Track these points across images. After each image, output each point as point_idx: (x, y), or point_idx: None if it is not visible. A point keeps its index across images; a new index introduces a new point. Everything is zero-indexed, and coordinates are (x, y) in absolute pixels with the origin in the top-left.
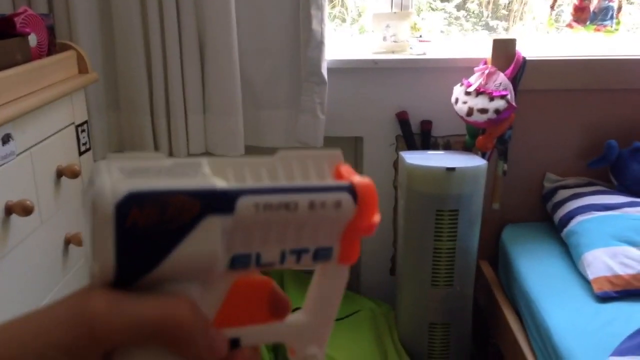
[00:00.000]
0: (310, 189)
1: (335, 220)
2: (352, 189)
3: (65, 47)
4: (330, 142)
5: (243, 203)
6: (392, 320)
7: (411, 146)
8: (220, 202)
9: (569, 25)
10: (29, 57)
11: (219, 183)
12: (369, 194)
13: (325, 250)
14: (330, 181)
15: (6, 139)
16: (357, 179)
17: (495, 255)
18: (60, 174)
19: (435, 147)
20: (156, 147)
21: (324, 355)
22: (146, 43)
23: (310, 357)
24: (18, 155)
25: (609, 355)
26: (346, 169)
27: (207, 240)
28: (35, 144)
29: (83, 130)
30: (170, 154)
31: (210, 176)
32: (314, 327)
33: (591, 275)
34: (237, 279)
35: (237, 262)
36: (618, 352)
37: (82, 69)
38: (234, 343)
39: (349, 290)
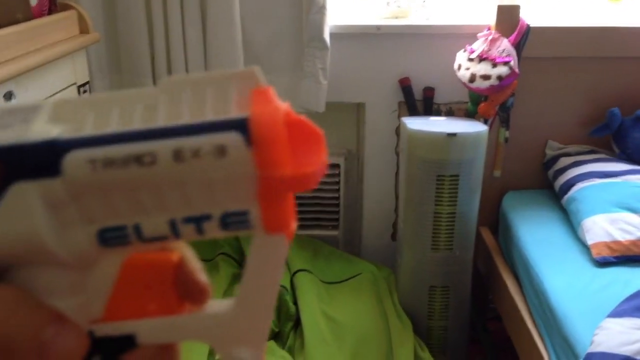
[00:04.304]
0: (176, 130)
1: (228, 174)
2: (244, 125)
3: (66, 7)
4: (332, 107)
5: (72, 160)
6: (392, 283)
7: (413, 113)
8: (34, 161)
9: None
10: (29, 15)
11: (45, 133)
12: (272, 127)
13: (238, 216)
14: (211, 116)
15: (8, 96)
16: (262, 108)
17: (495, 222)
18: None
19: (437, 113)
20: None
21: (262, 358)
22: (147, 4)
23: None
24: None
25: (605, 317)
26: (265, 95)
27: (17, 214)
28: None
29: (85, 91)
30: None
31: (41, 125)
32: (241, 321)
33: (590, 240)
34: (128, 257)
35: (110, 238)
36: (615, 313)
37: (83, 29)
38: (128, 341)
39: (351, 253)
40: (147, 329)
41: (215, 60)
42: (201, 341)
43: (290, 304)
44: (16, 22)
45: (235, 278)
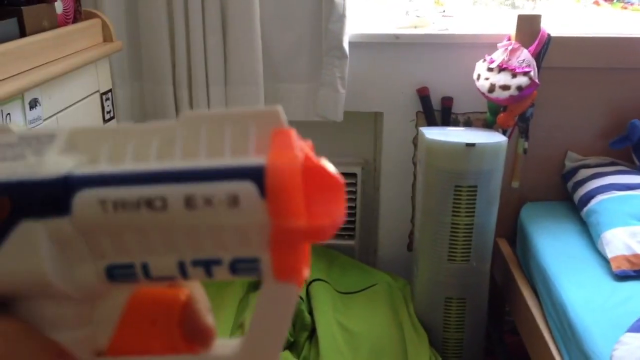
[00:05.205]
0: (189, 175)
1: (240, 223)
2: (259, 174)
3: (90, 15)
4: (350, 116)
5: (82, 200)
6: (408, 294)
7: (431, 122)
8: (43, 199)
9: (596, 2)
10: (55, 23)
11: (57, 167)
12: (288, 178)
13: (248, 262)
14: (229, 156)
15: (33, 103)
16: (279, 156)
17: (513, 233)
18: None
19: (455, 123)
20: None
21: None
22: (169, 13)
23: None
24: (45, 120)
25: (625, 332)
26: (285, 138)
27: (23, 253)
28: (61, 110)
29: (107, 99)
30: None
31: (54, 157)
32: None
33: (610, 253)
34: (136, 291)
35: (117, 274)
36: (634, 328)
37: (107, 37)
38: None
39: (366, 263)
40: None
41: (235, 68)
42: None
43: (306, 314)
44: (42, 29)
45: (251, 287)
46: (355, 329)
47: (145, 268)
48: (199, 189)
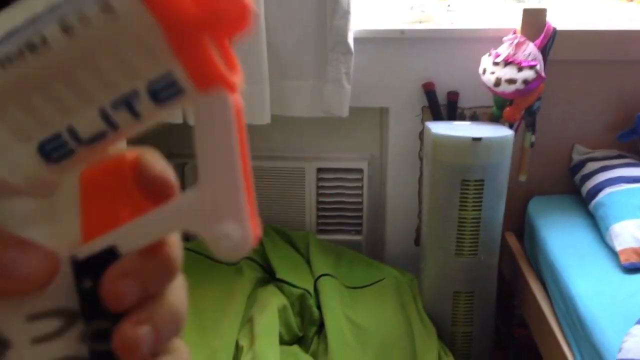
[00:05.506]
0: (56, 6)
1: (127, 32)
2: None
3: None
4: (356, 112)
5: None
6: (416, 288)
7: (437, 117)
8: None
9: None
10: None
11: None
12: None
13: (164, 80)
14: None
15: None
16: None
17: (521, 227)
18: None
19: (461, 118)
20: (183, 116)
21: (249, 229)
22: None
23: (223, 237)
24: None
25: (634, 324)
26: None
27: None
28: None
29: None
30: None
31: None
32: (212, 196)
33: (618, 246)
34: (84, 172)
35: (51, 150)
36: None
37: None
38: (111, 254)
39: (374, 258)
40: (125, 235)
41: (240, 65)
42: (181, 230)
43: (314, 309)
44: None
45: (259, 282)
46: (363, 323)
47: (72, 132)
48: (69, 11)
